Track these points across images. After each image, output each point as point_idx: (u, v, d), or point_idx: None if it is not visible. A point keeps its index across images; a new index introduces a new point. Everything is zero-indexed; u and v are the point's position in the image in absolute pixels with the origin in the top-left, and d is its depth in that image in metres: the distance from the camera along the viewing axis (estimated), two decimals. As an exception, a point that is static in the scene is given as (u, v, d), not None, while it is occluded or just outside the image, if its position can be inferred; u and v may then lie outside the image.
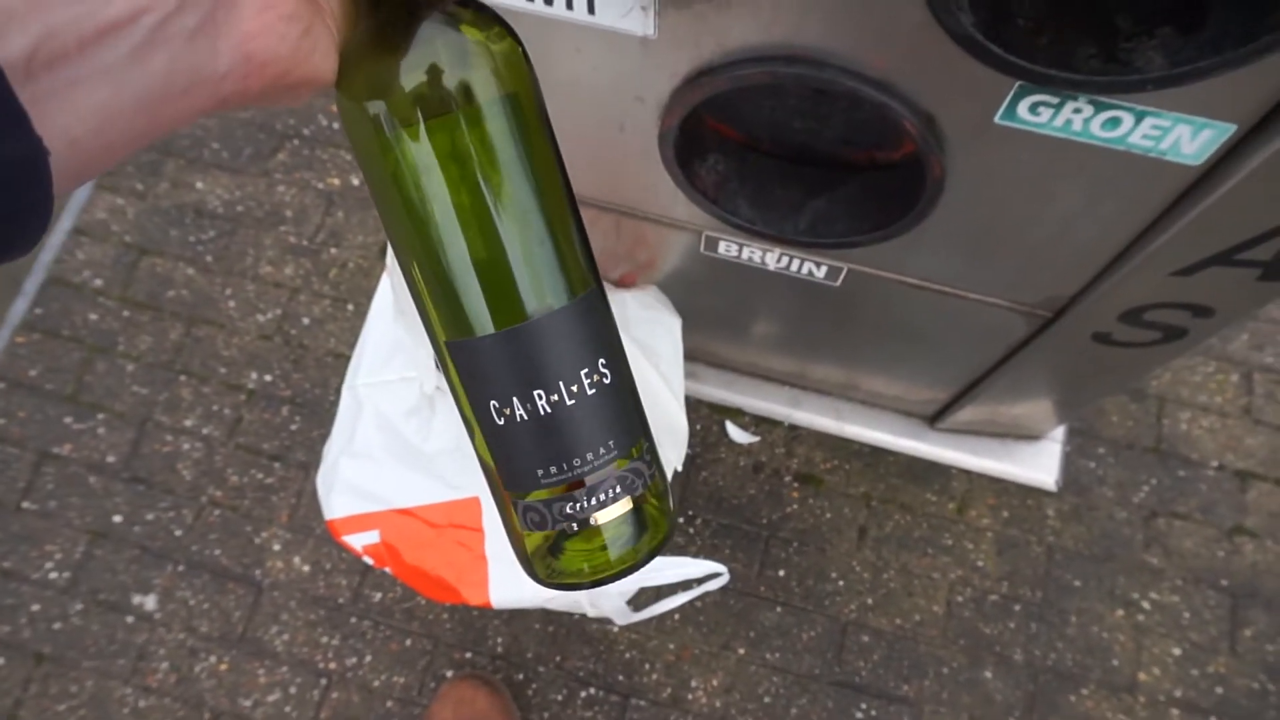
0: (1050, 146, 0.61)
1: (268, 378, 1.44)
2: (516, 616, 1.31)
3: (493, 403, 0.35)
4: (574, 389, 0.34)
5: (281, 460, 1.40)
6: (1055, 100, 0.57)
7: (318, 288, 1.49)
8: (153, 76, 0.26)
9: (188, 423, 1.42)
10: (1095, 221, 0.69)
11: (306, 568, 1.34)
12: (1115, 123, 0.57)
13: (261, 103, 0.31)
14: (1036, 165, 0.64)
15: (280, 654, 1.30)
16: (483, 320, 0.34)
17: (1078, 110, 0.57)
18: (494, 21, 0.34)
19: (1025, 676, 1.27)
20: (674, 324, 1.02)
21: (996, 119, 0.60)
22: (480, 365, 0.34)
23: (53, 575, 1.34)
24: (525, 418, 0.34)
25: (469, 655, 1.30)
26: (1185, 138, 0.57)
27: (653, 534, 0.38)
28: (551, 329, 0.34)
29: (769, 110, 0.76)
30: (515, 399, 0.34)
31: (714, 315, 1.14)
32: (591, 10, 0.60)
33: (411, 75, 0.32)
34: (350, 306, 1.48)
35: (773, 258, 0.90)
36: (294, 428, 1.41)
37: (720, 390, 1.37)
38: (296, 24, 0.30)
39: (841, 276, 0.90)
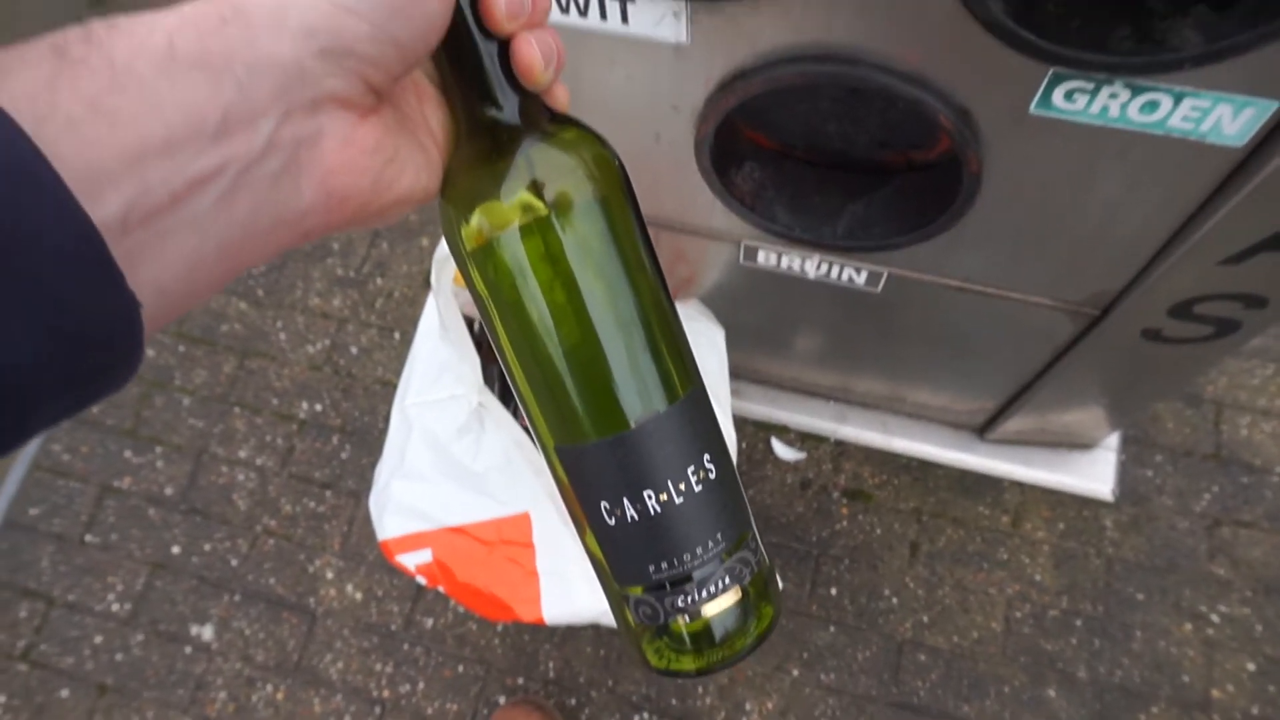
0: (1088, 135, 0.61)
1: (318, 407, 1.47)
2: (568, 640, 1.31)
3: (603, 504, 0.36)
4: (681, 487, 0.35)
5: (333, 488, 1.42)
6: (1090, 86, 0.57)
7: (365, 317, 1.52)
8: (237, 222, 0.26)
9: (242, 454, 1.45)
10: (1138, 211, 0.69)
11: (359, 595, 1.35)
12: (1153, 106, 0.57)
13: (348, 229, 0.32)
14: (1074, 155, 0.64)
15: (335, 682, 1.31)
16: (590, 427, 0.35)
17: (1114, 95, 0.57)
18: (587, 136, 0.35)
19: (1091, 695, 1.23)
20: (717, 335, 1.03)
21: (1032, 109, 0.60)
22: (589, 469, 0.36)
23: (114, 607, 1.37)
24: (636, 517, 0.35)
25: (521, 681, 1.30)
26: (1226, 118, 0.57)
27: (760, 620, 0.39)
28: (658, 433, 0.35)
29: (803, 114, 0.76)
30: (626, 500, 0.35)
31: (756, 330, 1.14)
32: (625, 19, 0.62)
33: (511, 189, 0.33)
34: (397, 335, 1.51)
35: (812, 265, 0.90)
36: (344, 456, 1.43)
37: (764, 407, 1.36)
38: (379, 156, 0.30)
39: (882, 281, 0.90)
